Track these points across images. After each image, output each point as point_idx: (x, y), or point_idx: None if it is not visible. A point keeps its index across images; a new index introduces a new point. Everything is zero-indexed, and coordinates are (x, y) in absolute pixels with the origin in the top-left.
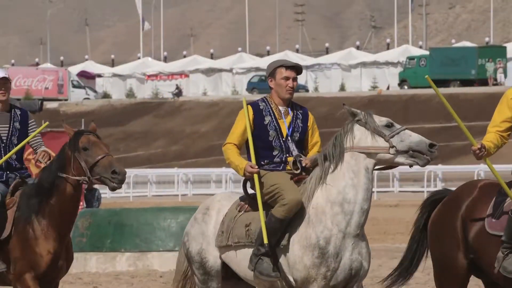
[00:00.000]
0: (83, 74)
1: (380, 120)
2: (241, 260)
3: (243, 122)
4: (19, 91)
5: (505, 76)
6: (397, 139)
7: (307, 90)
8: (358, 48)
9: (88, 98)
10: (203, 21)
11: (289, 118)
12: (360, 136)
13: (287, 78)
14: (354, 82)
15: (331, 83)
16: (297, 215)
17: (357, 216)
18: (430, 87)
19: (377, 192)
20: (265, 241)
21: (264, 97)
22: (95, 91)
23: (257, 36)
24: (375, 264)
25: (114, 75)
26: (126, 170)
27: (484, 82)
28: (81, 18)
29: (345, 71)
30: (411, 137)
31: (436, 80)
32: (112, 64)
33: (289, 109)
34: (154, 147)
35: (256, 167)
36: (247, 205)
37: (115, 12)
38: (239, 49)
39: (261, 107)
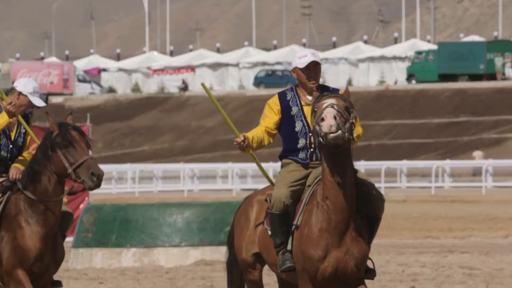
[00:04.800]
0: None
1: None
2: None
3: None
4: None
5: None
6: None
7: None
8: (365, 42)
9: (93, 93)
10: (209, 15)
11: None
12: None
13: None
14: (361, 77)
15: (338, 77)
16: None
17: None
18: (437, 81)
19: (385, 187)
20: None
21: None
22: (100, 86)
23: (264, 31)
24: (383, 260)
25: (120, 69)
26: (132, 165)
27: (492, 77)
28: (86, 12)
29: (352, 66)
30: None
31: (444, 74)
32: (118, 58)
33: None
34: (160, 142)
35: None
36: None
37: (120, 6)
38: (246, 43)
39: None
